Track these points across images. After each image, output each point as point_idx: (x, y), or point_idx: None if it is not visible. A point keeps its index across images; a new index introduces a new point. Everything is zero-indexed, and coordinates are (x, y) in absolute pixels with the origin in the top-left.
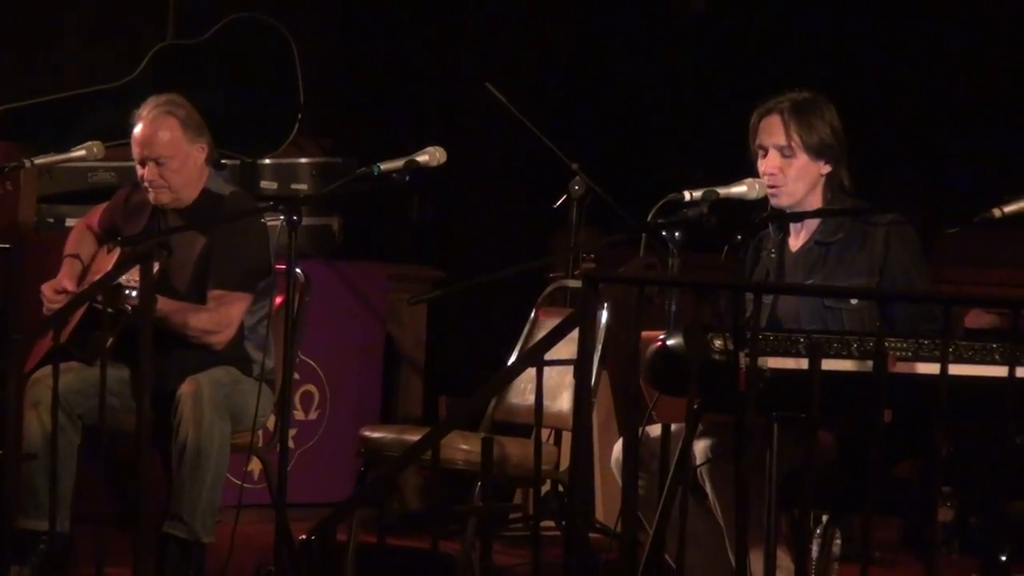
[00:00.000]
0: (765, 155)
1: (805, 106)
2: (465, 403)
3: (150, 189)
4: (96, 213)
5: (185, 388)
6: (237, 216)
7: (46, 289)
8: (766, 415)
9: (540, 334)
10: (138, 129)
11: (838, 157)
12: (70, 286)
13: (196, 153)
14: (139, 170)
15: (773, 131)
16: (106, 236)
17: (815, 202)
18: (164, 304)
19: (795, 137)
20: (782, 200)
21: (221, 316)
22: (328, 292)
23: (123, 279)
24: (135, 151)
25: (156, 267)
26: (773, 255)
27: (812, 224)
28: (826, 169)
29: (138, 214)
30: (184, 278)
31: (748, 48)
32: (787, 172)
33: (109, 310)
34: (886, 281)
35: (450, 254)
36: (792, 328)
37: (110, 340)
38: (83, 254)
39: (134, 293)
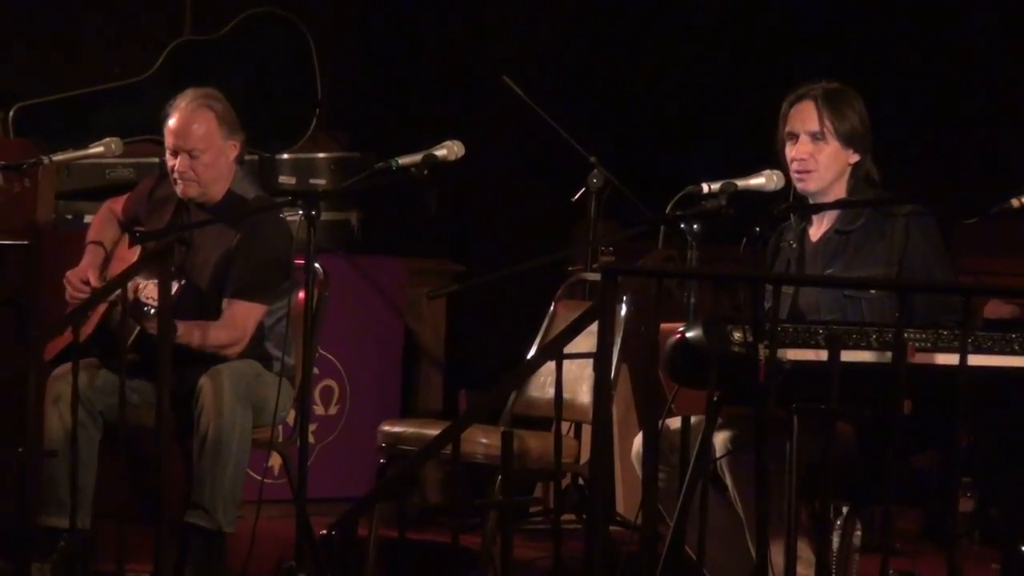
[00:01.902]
0: (796, 141)
1: (837, 94)
2: (485, 397)
3: (179, 181)
4: (121, 199)
5: (206, 378)
6: (256, 211)
7: (71, 276)
8: (786, 407)
9: (559, 327)
10: (174, 119)
11: (866, 147)
12: (93, 277)
13: (229, 150)
14: (170, 160)
15: (806, 117)
16: (128, 225)
17: (839, 191)
18: (180, 329)
19: (828, 124)
20: (810, 185)
21: (236, 329)
22: (347, 287)
23: (142, 297)
24: (168, 141)
25: (175, 288)
26: (794, 245)
27: (832, 213)
28: (854, 159)
29: (161, 208)
30: (205, 277)
31: (766, 40)
32: (818, 158)
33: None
34: (905, 271)
35: (469, 248)
36: (813, 319)
37: (134, 334)
38: (106, 240)
39: (153, 311)
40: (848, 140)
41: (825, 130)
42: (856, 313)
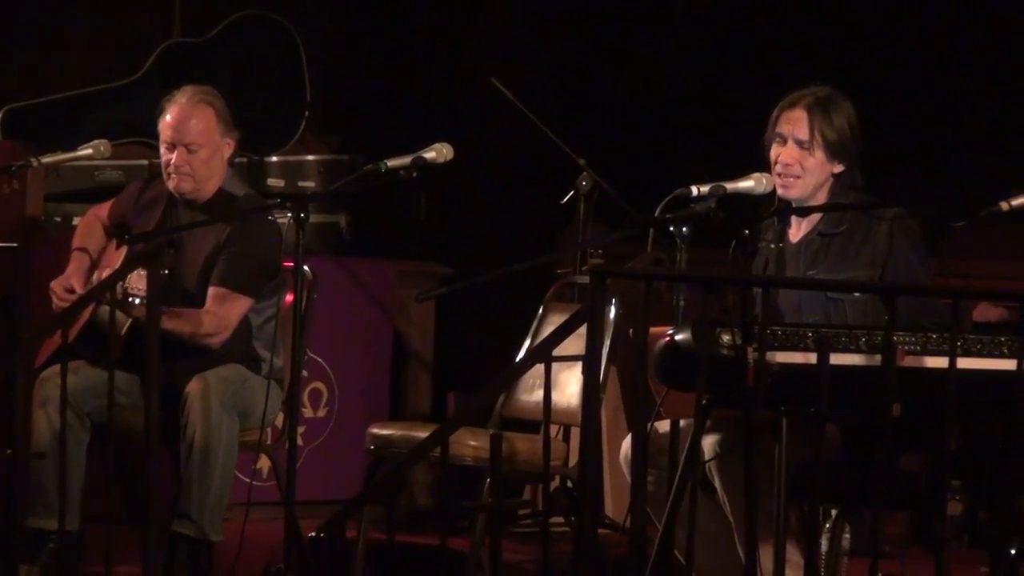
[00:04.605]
0: (784, 144)
1: (829, 104)
2: (474, 399)
3: (174, 175)
4: (107, 205)
5: (193, 386)
6: (247, 214)
7: (55, 286)
8: (775, 410)
9: (548, 330)
10: (172, 113)
11: (852, 158)
12: (78, 284)
13: (224, 148)
14: (165, 155)
15: (796, 124)
16: (115, 230)
17: (821, 198)
18: (167, 321)
19: (817, 135)
20: (792, 192)
21: (220, 319)
22: (336, 289)
23: (130, 288)
24: (166, 134)
25: (164, 272)
26: (772, 246)
27: (815, 216)
28: (838, 169)
29: (150, 209)
30: (193, 275)
31: (755, 43)
32: (804, 164)
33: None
34: (889, 273)
35: (458, 250)
36: (795, 320)
37: (124, 328)
38: (91, 247)
39: (138, 301)
40: (835, 152)
41: (814, 141)
42: (839, 315)
